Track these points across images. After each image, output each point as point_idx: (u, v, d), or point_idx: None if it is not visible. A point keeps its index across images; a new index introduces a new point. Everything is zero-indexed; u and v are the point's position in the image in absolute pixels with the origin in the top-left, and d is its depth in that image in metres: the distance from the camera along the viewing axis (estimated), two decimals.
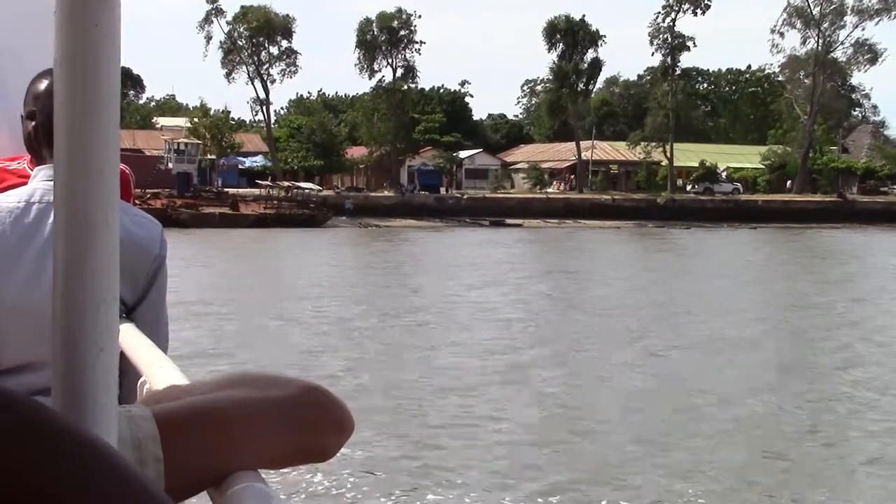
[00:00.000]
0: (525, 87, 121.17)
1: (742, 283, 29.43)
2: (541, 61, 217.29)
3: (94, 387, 0.82)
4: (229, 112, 74.20)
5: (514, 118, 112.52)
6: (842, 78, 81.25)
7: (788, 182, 76.67)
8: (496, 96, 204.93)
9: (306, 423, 1.03)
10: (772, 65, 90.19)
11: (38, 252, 2.10)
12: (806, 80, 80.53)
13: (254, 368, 8.97)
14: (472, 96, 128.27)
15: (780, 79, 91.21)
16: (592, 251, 44.04)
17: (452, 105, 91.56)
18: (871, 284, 29.55)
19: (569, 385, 14.11)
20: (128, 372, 1.74)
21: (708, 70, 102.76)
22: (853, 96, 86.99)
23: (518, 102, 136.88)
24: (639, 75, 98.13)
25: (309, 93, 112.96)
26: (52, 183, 1.01)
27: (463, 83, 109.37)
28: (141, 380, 1.67)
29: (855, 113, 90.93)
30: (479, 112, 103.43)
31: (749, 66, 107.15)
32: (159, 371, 1.56)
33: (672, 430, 11.62)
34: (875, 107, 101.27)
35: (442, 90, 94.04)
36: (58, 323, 0.83)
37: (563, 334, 18.85)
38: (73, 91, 0.80)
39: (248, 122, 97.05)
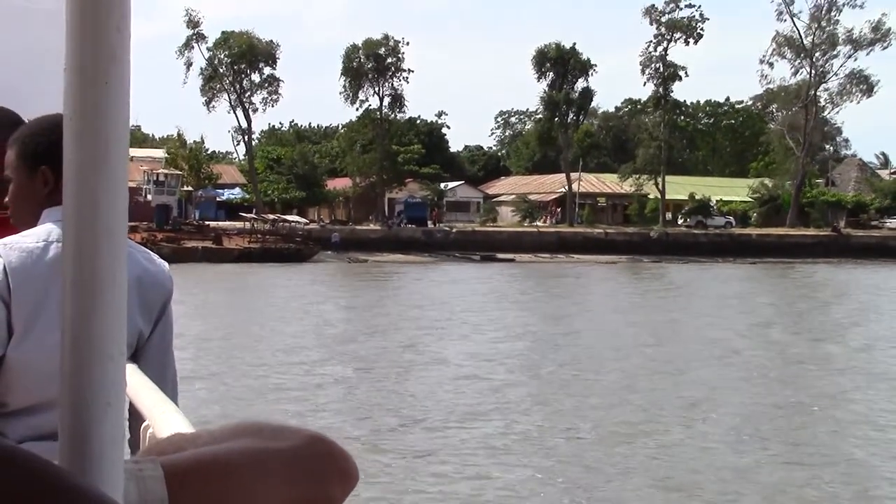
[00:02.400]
0: (500, 119, 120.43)
1: (774, 335, 26.68)
2: (515, 92, 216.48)
3: (100, 442, 0.83)
4: (203, 142, 71.44)
5: (488, 150, 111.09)
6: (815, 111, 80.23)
7: (755, 214, 74.84)
8: (469, 127, 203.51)
9: (311, 473, 1.02)
10: (753, 97, 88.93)
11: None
12: (779, 114, 79.49)
13: (257, 418, 7.44)
14: (448, 127, 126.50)
15: (755, 111, 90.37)
16: (593, 291, 41.72)
17: (430, 136, 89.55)
18: None
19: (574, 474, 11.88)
20: (131, 416, 1.80)
21: (685, 102, 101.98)
22: (825, 129, 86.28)
23: (492, 134, 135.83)
24: (616, 107, 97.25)
25: (280, 123, 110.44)
26: None
27: (440, 114, 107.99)
28: (144, 424, 1.63)
29: (827, 147, 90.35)
30: (454, 144, 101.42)
31: (728, 98, 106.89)
32: (162, 416, 1.55)
33: None
34: (847, 140, 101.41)
35: (419, 121, 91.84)
36: (65, 379, 0.83)
37: (571, 405, 16.09)
38: (82, 147, 0.81)
39: (219, 153, 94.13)
